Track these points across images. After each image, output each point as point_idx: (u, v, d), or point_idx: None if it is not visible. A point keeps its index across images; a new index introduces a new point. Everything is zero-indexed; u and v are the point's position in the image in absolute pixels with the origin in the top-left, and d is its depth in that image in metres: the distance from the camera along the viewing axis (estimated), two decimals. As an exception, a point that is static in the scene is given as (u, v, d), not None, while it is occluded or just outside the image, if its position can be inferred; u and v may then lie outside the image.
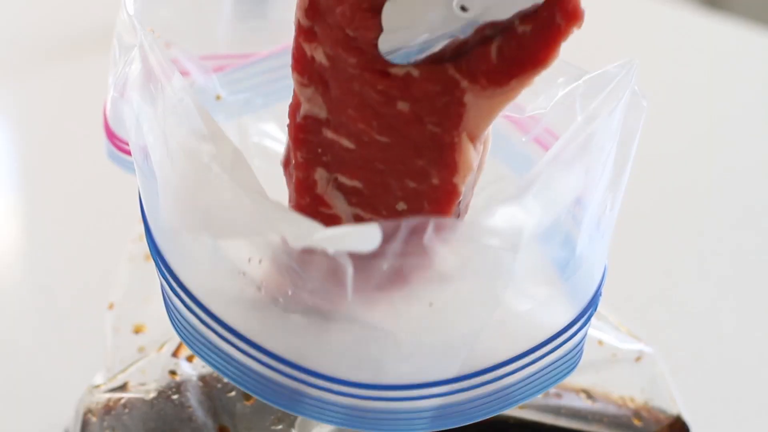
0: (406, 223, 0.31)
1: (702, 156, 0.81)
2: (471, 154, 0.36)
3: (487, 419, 0.42)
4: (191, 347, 0.37)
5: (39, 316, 0.63)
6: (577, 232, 0.36)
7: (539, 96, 0.41)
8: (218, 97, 0.45)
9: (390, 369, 0.35)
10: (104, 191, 0.74)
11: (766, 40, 0.95)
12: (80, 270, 0.66)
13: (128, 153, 0.39)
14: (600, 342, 0.46)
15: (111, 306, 0.48)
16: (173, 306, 0.37)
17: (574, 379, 0.47)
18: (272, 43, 0.40)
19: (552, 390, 0.47)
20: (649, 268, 0.68)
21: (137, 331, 0.47)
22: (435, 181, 0.36)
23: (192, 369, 0.43)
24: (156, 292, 0.43)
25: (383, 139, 0.36)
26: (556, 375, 0.37)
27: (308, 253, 0.32)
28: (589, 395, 0.47)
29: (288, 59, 0.37)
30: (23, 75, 0.90)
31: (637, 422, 0.47)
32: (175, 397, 0.43)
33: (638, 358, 0.47)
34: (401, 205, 0.37)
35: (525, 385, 0.37)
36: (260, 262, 0.34)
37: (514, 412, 0.46)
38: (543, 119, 0.41)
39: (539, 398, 0.46)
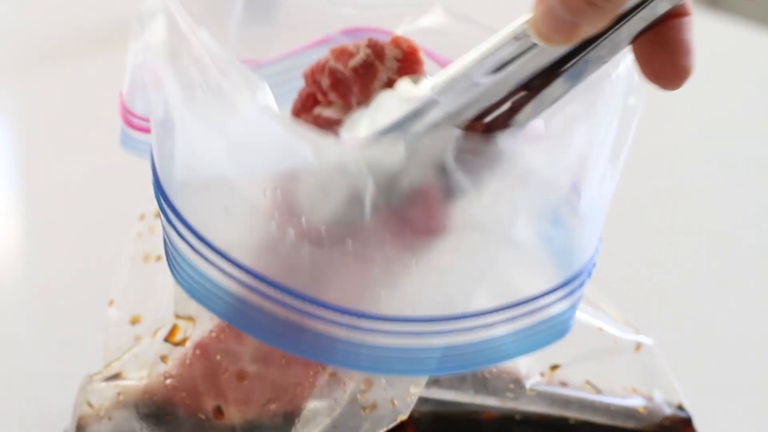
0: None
1: (701, 155, 0.81)
2: None
3: (491, 413, 0.43)
4: (201, 300, 0.37)
5: (38, 315, 0.63)
6: (577, 198, 0.37)
7: None
8: None
9: (395, 300, 0.36)
10: (104, 191, 0.74)
11: (766, 40, 0.95)
12: (80, 269, 0.66)
13: (143, 129, 0.41)
14: (600, 329, 0.47)
15: (111, 303, 0.48)
16: (183, 257, 0.37)
17: (578, 369, 0.48)
18: (279, 48, 0.41)
19: (557, 380, 0.47)
20: (648, 264, 0.68)
21: (134, 321, 0.47)
22: None
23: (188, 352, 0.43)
24: (154, 289, 0.43)
25: None
26: (549, 333, 0.38)
27: (329, 174, 0.34)
28: (594, 386, 0.47)
29: (294, 63, 0.39)
30: (23, 75, 0.90)
31: (642, 411, 0.47)
32: (168, 382, 0.43)
33: (638, 347, 0.47)
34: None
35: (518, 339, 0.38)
36: (276, 191, 0.35)
37: (520, 405, 0.46)
38: None
39: (545, 389, 0.47)
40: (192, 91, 0.36)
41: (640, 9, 0.36)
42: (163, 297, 0.44)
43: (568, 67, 0.37)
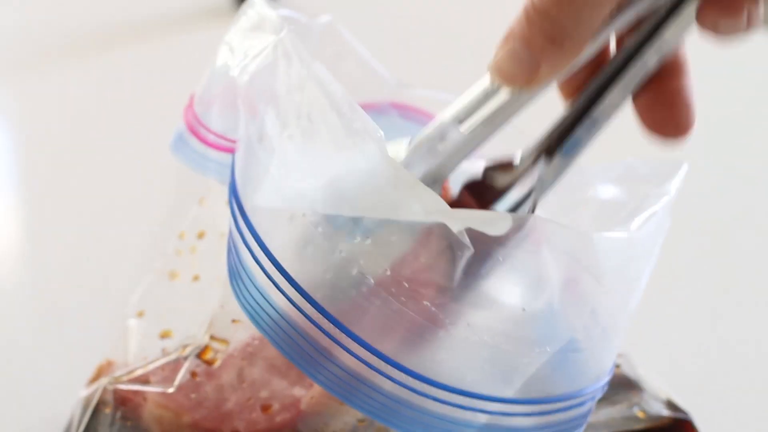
0: (534, 219, 0.34)
1: (701, 156, 0.81)
2: None
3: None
4: (259, 324, 0.37)
5: (39, 316, 0.63)
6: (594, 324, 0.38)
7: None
8: None
9: (453, 370, 0.36)
10: (104, 191, 0.74)
11: (766, 40, 0.95)
12: (80, 270, 0.66)
13: (213, 145, 0.41)
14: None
15: (141, 314, 0.48)
16: (252, 279, 0.37)
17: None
18: None
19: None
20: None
21: (164, 336, 0.47)
22: None
23: (216, 372, 0.44)
24: (184, 307, 0.43)
25: None
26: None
27: (429, 232, 0.34)
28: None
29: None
30: (23, 75, 0.91)
31: (641, 415, 0.48)
32: (193, 396, 0.43)
33: (617, 366, 0.48)
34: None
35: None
36: (366, 240, 0.35)
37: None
38: None
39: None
40: (299, 121, 0.36)
41: (630, 66, 0.37)
42: (192, 316, 0.44)
43: (568, 134, 0.38)
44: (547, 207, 0.43)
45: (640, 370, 0.49)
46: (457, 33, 1.00)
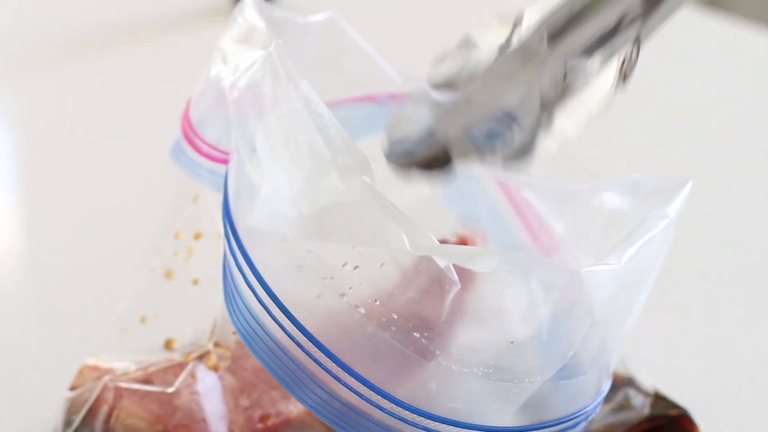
0: (523, 255, 0.34)
1: (702, 156, 0.81)
2: None
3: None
4: (252, 347, 0.37)
5: (39, 316, 0.63)
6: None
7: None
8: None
9: (444, 401, 0.36)
10: (104, 192, 0.74)
11: (766, 40, 0.95)
12: (79, 271, 0.66)
13: (206, 155, 0.41)
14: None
15: (143, 320, 0.48)
16: (245, 302, 0.37)
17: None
18: (323, 95, 0.41)
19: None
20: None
21: (168, 345, 0.47)
22: None
23: (216, 379, 0.44)
24: (181, 309, 0.43)
25: None
26: None
27: (418, 265, 0.34)
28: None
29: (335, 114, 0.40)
30: (23, 75, 0.91)
31: (638, 411, 0.48)
32: (192, 397, 0.43)
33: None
34: None
35: None
36: (355, 268, 0.35)
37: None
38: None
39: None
40: (287, 145, 0.36)
41: None
42: (194, 321, 0.45)
43: None
44: (560, 216, 0.44)
45: (635, 367, 0.49)
46: (460, 30, 1.00)
